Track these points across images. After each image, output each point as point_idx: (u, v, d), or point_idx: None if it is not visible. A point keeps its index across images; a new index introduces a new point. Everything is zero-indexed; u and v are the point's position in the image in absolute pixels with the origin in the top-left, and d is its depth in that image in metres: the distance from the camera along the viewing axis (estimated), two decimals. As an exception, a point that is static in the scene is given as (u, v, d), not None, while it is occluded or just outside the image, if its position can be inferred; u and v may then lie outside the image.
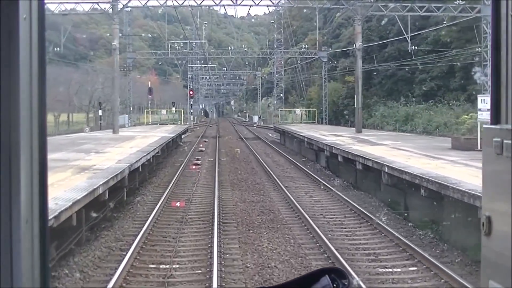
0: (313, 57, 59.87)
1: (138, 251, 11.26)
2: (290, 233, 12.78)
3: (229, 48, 66.55)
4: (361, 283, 9.07)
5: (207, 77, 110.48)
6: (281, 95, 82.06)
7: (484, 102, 17.58)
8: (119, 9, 30.68)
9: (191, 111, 71.67)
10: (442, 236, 12.23)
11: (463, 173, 13.23)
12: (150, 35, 64.10)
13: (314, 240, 12.23)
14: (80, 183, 12.09)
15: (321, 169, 25.12)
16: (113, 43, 30.22)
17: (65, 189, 11.24)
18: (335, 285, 1.49)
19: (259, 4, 32.06)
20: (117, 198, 15.48)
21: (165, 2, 31.43)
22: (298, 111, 54.57)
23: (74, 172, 14.03)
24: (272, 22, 72.93)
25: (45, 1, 1.43)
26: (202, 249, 11.61)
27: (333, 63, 60.28)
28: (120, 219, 14.55)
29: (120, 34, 65.19)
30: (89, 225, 12.51)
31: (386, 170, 15.09)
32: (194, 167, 26.06)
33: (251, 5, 31.80)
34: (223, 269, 10.04)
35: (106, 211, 14.21)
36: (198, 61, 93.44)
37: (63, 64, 64.14)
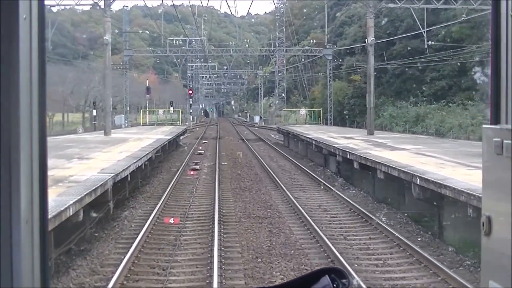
0: (317, 55, 57.35)
1: (118, 289, 8.90)
2: (307, 262, 10.39)
3: (231, 43, 64.00)
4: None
5: (207, 76, 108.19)
6: (283, 94, 79.83)
7: None
8: (111, 1, 28.26)
9: (190, 111, 69.23)
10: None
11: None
12: (147, 32, 61.34)
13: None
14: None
15: (332, 176, 22.73)
16: (104, 38, 27.82)
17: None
18: (335, 285, 1.47)
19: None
20: (100, 214, 13.12)
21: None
22: (302, 111, 52.01)
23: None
24: (278, 15, 70.35)
25: (45, 1, 1.30)
26: (199, 283, 9.26)
27: (338, 61, 57.78)
28: (101, 240, 12.17)
29: (116, 30, 63.11)
30: (59, 252, 10.13)
31: (418, 182, 12.70)
32: (192, 172, 23.69)
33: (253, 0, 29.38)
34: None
35: (83, 232, 11.84)
36: (198, 60, 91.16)
37: (60, 62, 61.89)
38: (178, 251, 11.32)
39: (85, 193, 10.52)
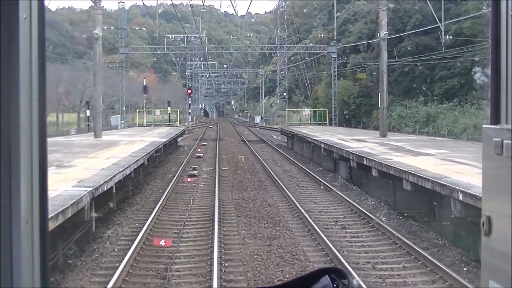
0: (321, 53, 55.05)
1: None
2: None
3: (232, 37, 61.93)
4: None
5: (207, 76, 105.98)
6: (285, 94, 77.70)
7: None
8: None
9: (189, 111, 66.94)
10: None
11: None
12: (144, 29, 59.00)
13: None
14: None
15: (345, 184, 20.47)
16: (94, 32, 25.59)
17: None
18: (335, 285, 1.47)
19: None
20: (75, 236, 10.90)
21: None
22: (307, 111, 49.67)
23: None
24: (283, 7, 68.18)
25: (45, 1, 1.26)
26: None
27: (343, 59, 55.45)
28: (75, 271, 9.92)
29: (112, 27, 60.88)
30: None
31: (461, 198, 10.45)
32: (189, 179, 21.46)
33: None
34: None
35: (54, 259, 9.62)
36: (197, 58, 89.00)
37: (55, 61, 59.62)
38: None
39: (50, 216, 8.28)
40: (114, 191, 13.46)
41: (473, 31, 41.72)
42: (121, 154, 18.12)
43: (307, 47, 58.26)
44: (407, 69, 47.01)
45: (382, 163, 15.59)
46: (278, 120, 73.87)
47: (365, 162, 17.30)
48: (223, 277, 9.40)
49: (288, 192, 17.76)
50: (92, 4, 27.59)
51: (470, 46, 38.79)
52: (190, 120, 66.95)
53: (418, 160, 15.83)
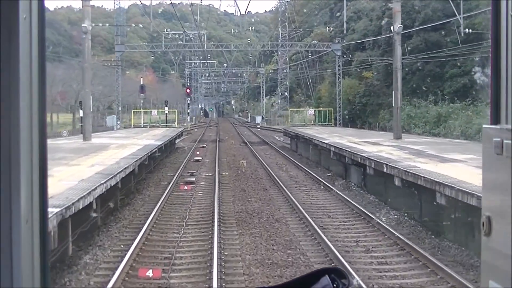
0: (325, 50, 52.87)
1: None
2: None
3: (232, 32, 59.95)
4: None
5: (207, 75, 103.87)
6: (286, 93, 75.64)
7: None
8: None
9: (188, 111, 64.77)
10: None
11: None
12: (140, 25, 56.80)
13: None
14: None
15: (359, 192, 18.34)
16: (83, 25, 23.46)
17: None
18: (335, 285, 1.47)
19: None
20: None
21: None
22: (311, 111, 47.48)
23: None
24: (284, 4, 66.05)
25: (45, 1, 1.27)
26: None
27: (347, 57, 53.26)
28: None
29: (107, 24, 58.68)
30: None
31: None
32: (186, 187, 19.34)
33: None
34: None
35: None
36: (196, 57, 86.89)
37: (50, 59, 57.48)
38: None
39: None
40: (94, 206, 11.31)
41: (485, 27, 39.63)
42: (108, 161, 15.98)
43: (311, 44, 55.98)
44: (418, 66, 44.82)
45: (408, 172, 13.46)
46: (279, 120, 71.77)
47: (385, 170, 15.17)
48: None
49: (297, 203, 15.64)
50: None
51: (484, 41, 36.67)
52: (189, 120, 64.81)
53: (449, 168, 13.68)
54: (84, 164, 15.15)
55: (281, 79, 75.78)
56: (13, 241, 1.08)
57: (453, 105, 39.27)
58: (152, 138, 26.94)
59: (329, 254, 10.72)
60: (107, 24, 53.71)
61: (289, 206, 15.77)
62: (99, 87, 61.47)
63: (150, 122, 46.37)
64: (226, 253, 10.86)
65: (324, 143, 23.82)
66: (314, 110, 48.53)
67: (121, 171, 14.16)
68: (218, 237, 11.78)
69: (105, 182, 11.98)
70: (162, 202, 15.89)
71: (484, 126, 1.41)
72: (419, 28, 37.66)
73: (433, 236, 12.07)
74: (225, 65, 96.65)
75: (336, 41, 51.08)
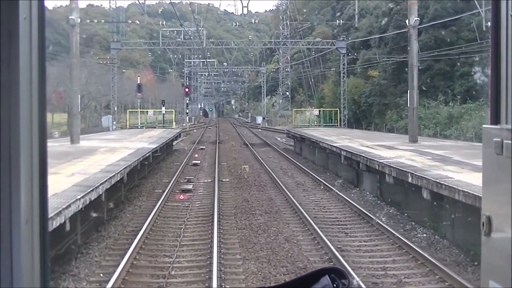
0: (329, 48, 50.86)
1: None
2: None
3: (232, 26, 58.11)
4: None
5: (206, 74, 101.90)
6: (287, 93, 73.71)
7: None
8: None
9: (187, 111, 62.73)
10: None
11: None
12: (137, 22, 54.87)
13: None
14: None
15: (376, 203, 16.34)
16: (70, 17, 21.47)
17: None
18: (335, 285, 1.45)
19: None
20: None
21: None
22: (316, 111, 45.45)
23: None
24: (285, 3, 64.03)
25: (45, 1, 1.26)
26: None
27: (352, 55, 51.25)
28: None
29: (103, 21, 56.76)
30: None
31: None
32: (182, 196, 17.35)
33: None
34: None
35: None
36: (196, 56, 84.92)
37: (48, 58, 55.51)
38: None
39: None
40: (68, 228, 9.31)
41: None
42: (92, 168, 13.96)
43: (314, 42, 53.92)
44: (423, 67, 42.79)
45: (441, 184, 11.45)
46: (280, 121, 69.81)
47: (410, 179, 13.16)
48: None
49: (308, 217, 13.65)
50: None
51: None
52: (188, 120, 62.81)
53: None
54: (63, 172, 13.15)
55: (282, 78, 73.83)
56: (13, 241, 1.08)
57: (465, 105, 37.31)
58: (147, 141, 24.91)
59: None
60: (102, 21, 51.65)
61: (299, 221, 13.76)
62: (97, 86, 59.57)
63: (147, 123, 44.32)
64: (228, 285, 8.87)
65: (334, 146, 21.81)
66: (319, 111, 46.42)
67: (105, 181, 12.16)
68: (217, 262, 9.80)
69: (82, 197, 9.97)
70: (154, 215, 13.88)
71: (484, 126, 1.38)
72: (430, 24, 35.53)
73: (476, 263, 10.06)
74: (225, 64, 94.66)
75: (341, 39, 49.06)
